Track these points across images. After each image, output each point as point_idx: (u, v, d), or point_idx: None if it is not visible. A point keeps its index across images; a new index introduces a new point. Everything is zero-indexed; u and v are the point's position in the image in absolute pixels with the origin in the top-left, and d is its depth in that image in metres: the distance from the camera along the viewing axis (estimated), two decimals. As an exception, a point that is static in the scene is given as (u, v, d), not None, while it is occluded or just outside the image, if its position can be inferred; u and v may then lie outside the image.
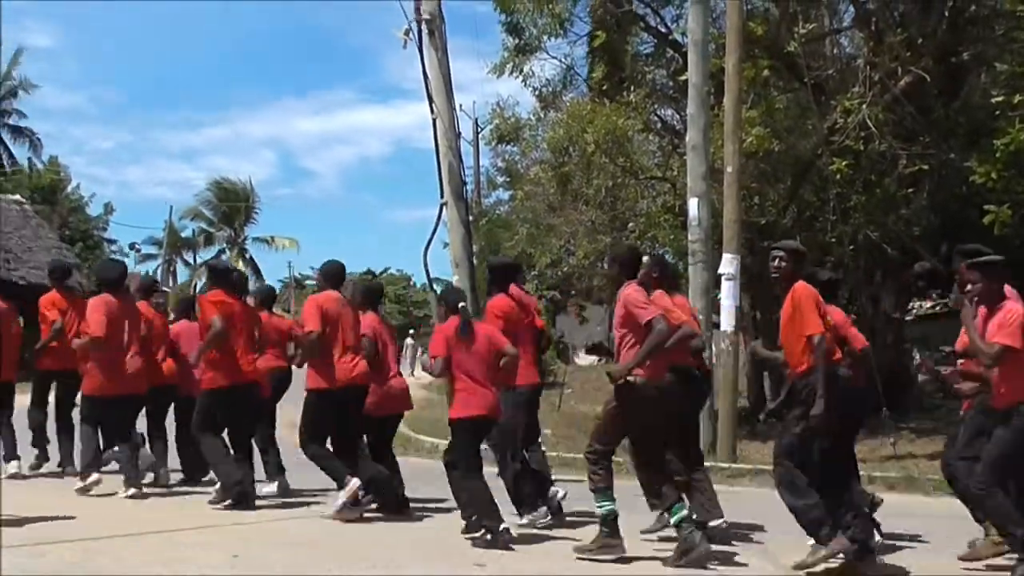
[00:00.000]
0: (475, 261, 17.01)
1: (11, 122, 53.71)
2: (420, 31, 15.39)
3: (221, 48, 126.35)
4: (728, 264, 13.71)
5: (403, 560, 7.81)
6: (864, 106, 15.90)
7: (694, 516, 7.87)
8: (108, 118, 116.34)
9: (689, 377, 8.40)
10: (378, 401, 9.41)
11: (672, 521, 7.61)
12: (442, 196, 15.39)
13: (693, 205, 14.09)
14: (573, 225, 21.01)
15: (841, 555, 7.14)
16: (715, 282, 14.09)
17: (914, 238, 17.45)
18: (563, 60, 21.06)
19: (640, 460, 7.90)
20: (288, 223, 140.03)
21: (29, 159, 53.37)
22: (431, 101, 15.37)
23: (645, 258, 8.65)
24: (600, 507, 7.75)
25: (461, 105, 21.78)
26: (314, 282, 10.01)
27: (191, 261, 66.39)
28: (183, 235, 65.58)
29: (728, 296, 13.67)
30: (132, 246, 59.47)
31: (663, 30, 19.79)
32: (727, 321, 13.65)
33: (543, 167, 22.12)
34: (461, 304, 8.60)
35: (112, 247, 55.42)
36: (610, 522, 7.70)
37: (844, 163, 15.90)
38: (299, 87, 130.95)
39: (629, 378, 7.55)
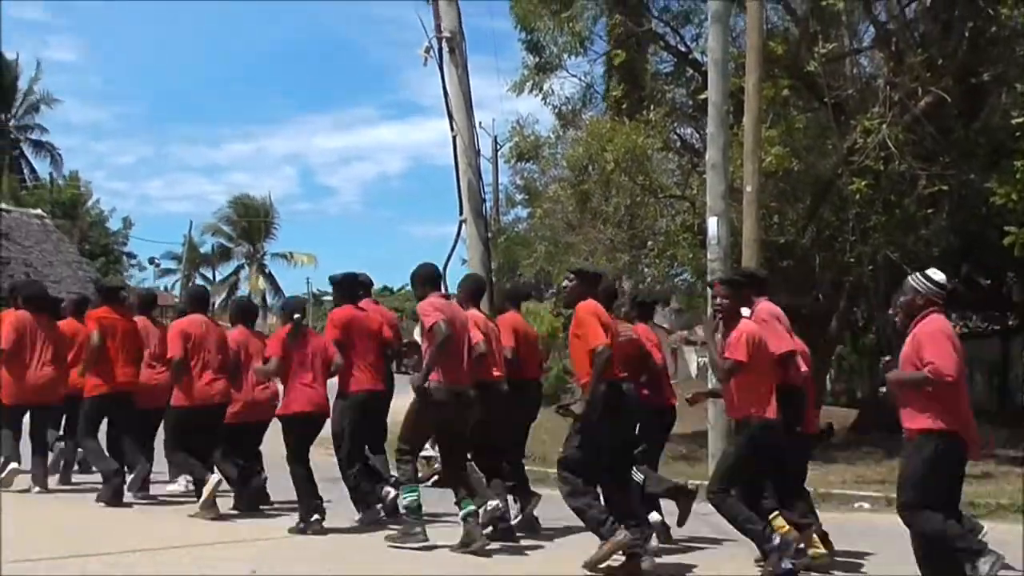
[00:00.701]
0: (494, 278, 17.04)
1: (33, 136, 54.16)
2: (441, 48, 15.44)
3: (244, 64, 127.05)
4: (747, 283, 13.66)
5: (423, 570, 7.90)
6: (884, 126, 15.89)
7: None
8: (129, 132, 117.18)
9: (491, 389, 9.13)
10: (239, 411, 10.30)
11: (460, 515, 8.56)
12: (461, 213, 15.40)
13: (712, 224, 14.07)
14: (592, 243, 20.98)
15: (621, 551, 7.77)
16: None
17: (934, 259, 17.37)
18: (583, 78, 21.15)
19: (442, 457, 9.21)
20: (307, 239, 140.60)
21: (50, 174, 53.89)
22: (451, 118, 15.40)
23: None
24: (405, 498, 8.68)
25: (480, 122, 21.91)
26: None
27: (210, 276, 66.62)
28: (202, 250, 65.84)
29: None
30: (152, 260, 59.86)
31: (683, 49, 19.81)
32: (746, 340, 13.60)
33: (562, 185, 22.13)
34: (296, 315, 9.71)
35: (132, 261, 55.87)
36: (414, 511, 8.61)
37: (864, 183, 15.87)
38: (320, 104, 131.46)
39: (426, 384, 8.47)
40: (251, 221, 65.09)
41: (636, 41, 19.57)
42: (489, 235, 16.71)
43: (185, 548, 8.44)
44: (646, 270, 21.11)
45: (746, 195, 14.11)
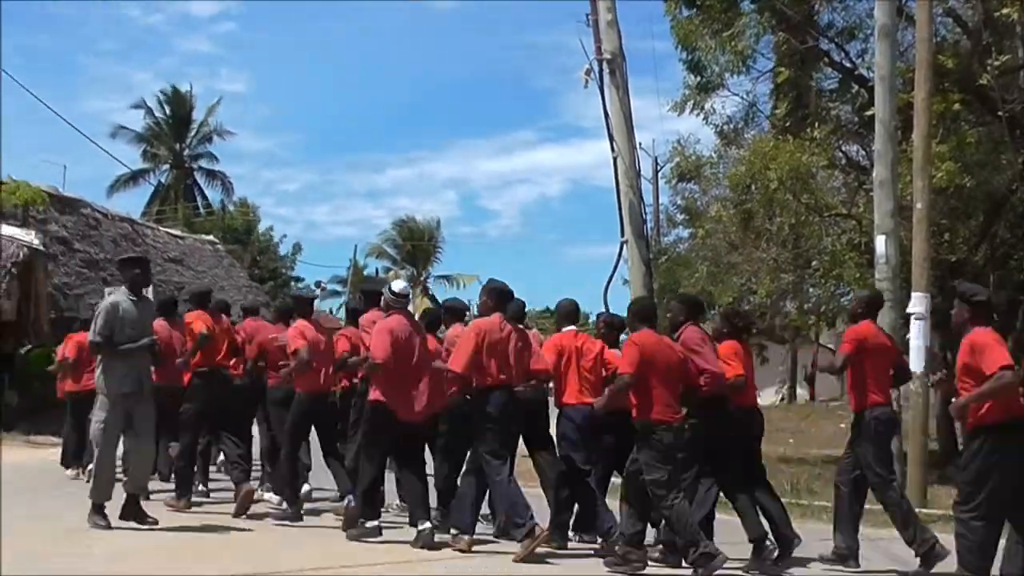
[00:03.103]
0: (656, 299, 16.95)
1: (204, 165, 56.27)
2: (601, 71, 15.50)
3: (408, 92, 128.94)
4: (918, 303, 13.32)
5: None
6: (1062, 139, 15.35)
7: None
8: (295, 160, 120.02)
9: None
10: None
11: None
12: (622, 234, 15.42)
13: (880, 243, 13.76)
14: (755, 263, 20.73)
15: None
16: (904, 322, 13.70)
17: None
18: (745, 97, 20.88)
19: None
20: (469, 262, 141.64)
21: (221, 201, 55.80)
22: (612, 140, 15.45)
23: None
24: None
25: (641, 143, 21.82)
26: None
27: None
28: (366, 273, 67.02)
29: (918, 336, 13.25)
30: (318, 284, 61.23)
31: (848, 65, 19.42)
32: (917, 362, 13.17)
33: (724, 204, 21.93)
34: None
35: (299, 285, 57.36)
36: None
37: (1040, 199, 15.35)
38: (482, 129, 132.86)
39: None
40: (415, 244, 66.06)
41: (800, 58, 19.26)
42: (650, 256, 16.67)
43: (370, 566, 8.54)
44: (811, 290, 20.76)
45: (916, 212, 13.77)
